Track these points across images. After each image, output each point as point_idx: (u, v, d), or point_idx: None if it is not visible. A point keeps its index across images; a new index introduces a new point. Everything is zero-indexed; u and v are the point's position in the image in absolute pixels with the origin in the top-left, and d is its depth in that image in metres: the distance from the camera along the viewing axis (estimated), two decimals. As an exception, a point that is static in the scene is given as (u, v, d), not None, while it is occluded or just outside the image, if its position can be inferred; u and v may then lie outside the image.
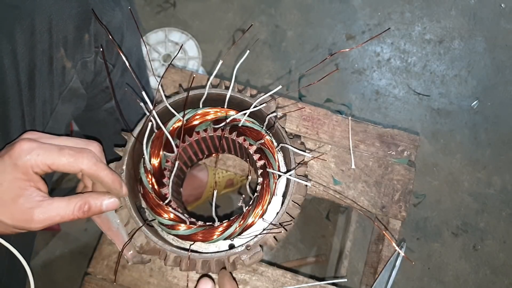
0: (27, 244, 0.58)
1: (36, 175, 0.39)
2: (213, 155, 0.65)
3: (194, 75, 0.68)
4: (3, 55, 0.46)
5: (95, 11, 0.54)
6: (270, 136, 0.52)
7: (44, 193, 0.40)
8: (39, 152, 0.38)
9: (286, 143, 0.50)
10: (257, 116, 0.53)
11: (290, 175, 0.48)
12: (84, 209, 0.41)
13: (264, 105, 0.51)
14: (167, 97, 0.51)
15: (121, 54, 0.42)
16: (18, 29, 0.47)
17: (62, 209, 0.39)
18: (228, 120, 0.52)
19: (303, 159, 0.51)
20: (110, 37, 0.48)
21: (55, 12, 0.50)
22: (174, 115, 0.51)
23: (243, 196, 0.52)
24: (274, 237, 0.47)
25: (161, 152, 0.51)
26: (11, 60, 0.47)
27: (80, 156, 0.39)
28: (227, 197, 1.19)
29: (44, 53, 0.50)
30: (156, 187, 0.50)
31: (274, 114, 0.51)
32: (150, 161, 0.50)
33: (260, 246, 0.47)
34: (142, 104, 0.47)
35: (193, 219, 0.49)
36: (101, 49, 0.57)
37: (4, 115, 0.48)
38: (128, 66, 0.43)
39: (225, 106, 0.53)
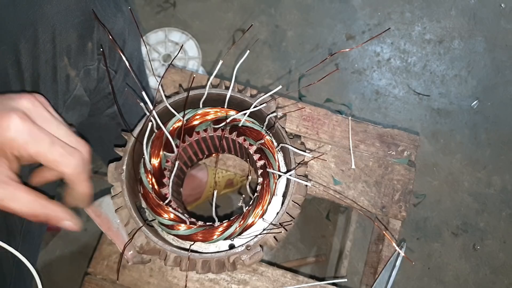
0: (33, 252, 0.58)
1: (13, 157, 0.35)
2: (213, 155, 0.64)
3: (194, 75, 0.68)
4: (7, 66, 0.46)
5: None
6: (270, 136, 0.52)
7: (14, 174, 0.36)
8: (28, 139, 0.34)
9: (286, 143, 0.50)
10: (257, 116, 0.53)
11: (290, 175, 0.48)
12: (41, 218, 0.37)
13: (264, 105, 0.51)
14: (167, 97, 0.51)
15: (125, 61, 0.42)
16: (21, 39, 0.47)
17: (23, 204, 0.35)
18: (228, 120, 0.52)
19: (303, 159, 0.51)
20: (115, 44, 0.48)
21: (58, 21, 0.49)
22: (174, 115, 0.51)
23: (243, 196, 0.52)
24: (274, 237, 0.47)
25: (161, 152, 0.51)
26: (15, 71, 0.47)
27: (68, 159, 0.36)
28: (227, 197, 1.19)
29: (48, 62, 0.50)
30: (156, 187, 0.50)
31: (274, 114, 0.51)
32: (150, 161, 0.50)
33: (260, 246, 0.47)
34: (142, 104, 0.47)
35: (193, 219, 0.49)
36: (102, 51, 0.57)
37: None
38: (131, 71, 0.43)
39: (225, 106, 0.53)
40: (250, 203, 0.50)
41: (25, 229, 0.53)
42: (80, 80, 0.56)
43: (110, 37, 0.46)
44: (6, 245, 0.40)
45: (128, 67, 0.42)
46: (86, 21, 0.52)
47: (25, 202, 0.36)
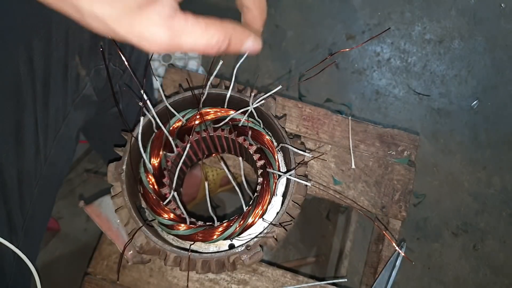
0: (33, 248, 0.58)
1: None
2: (213, 155, 0.64)
3: (206, 77, 0.68)
4: (20, 64, 0.46)
5: None
6: (270, 136, 0.52)
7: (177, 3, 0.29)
8: None
9: (286, 143, 0.50)
10: (257, 116, 0.53)
11: (290, 175, 0.48)
12: (221, 44, 0.31)
13: (263, 102, 0.51)
14: (167, 97, 0.51)
15: (127, 65, 0.42)
16: (35, 37, 0.47)
17: (197, 35, 0.29)
18: (227, 120, 0.52)
19: (303, 159, 0.51)
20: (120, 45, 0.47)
21: (72, 21, 0.49)
22: (174, 115, 0.51)
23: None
24: (274, 237, 0.47)
25: (161, 152, 0.51)
26: (27, 68, 0.47)
27: None
28: (227, 197, 1.19)
29: (60, 61, 0.50)
30: (156, 187, 0.50)
31: (274, 114, 0.51)
32: (150, 161, 0.50)
33: (260, 246, 0.47)
34: (141, 104, 0.47)
35: (193, 219, 0.49)
36: (101, 50, 0.57)
37: (19, 122, 0.48)
38: (132, 74, 0.43)
39: (225, 106, 0.53)
40: (250, 203, 0.50)
41: (27, 224, 0.53)
42: (90, 79, 0.57)
43: (116, 45, 0.46)
44: (7, 242, 0.40)
45: (128, 66, 0.42)
46: None
47: (199, 34, 0.30)
